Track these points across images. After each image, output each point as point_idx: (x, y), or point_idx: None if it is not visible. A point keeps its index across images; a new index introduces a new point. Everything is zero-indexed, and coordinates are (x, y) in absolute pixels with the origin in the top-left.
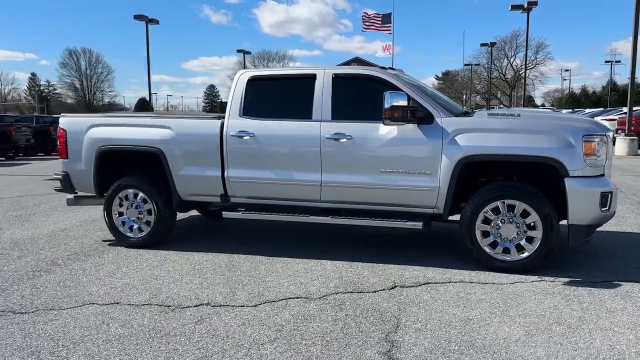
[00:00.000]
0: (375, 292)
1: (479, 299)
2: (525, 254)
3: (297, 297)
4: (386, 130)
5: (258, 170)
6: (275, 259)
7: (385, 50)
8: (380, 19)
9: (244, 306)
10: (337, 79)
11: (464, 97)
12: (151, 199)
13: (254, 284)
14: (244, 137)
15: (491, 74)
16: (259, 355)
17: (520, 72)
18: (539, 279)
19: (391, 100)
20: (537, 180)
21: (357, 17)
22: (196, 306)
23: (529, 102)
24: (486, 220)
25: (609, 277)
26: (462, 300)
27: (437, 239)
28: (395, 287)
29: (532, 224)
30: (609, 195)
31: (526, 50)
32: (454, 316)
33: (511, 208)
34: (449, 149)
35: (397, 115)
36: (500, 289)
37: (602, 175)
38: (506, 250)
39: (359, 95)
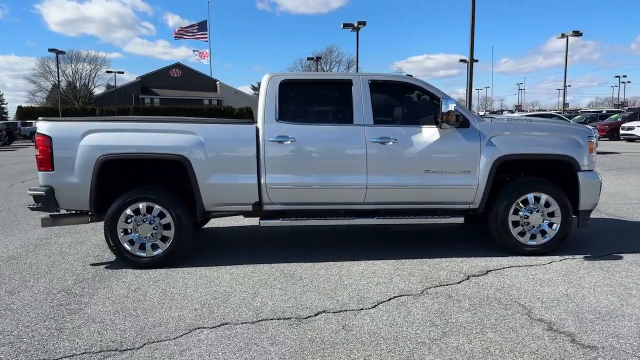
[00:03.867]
0: (459, 283)
1: (547, 278)
2: (547, 238)
3: (401, 295)
4: (429, 133)
5: (300, 175)
6: (324, 264)
7: (203, 57)
8: (195, 28)
9: (362, 309)
10: (374, 85)
11: None
12: (171, 211)
13: (341, 288)
14: (285, 142)
15: None
16: (445, 348)
17: None
18: (562, 258)
19: (448, 105)
20: (550, 175)
21: (159, 21)
22: (317, 314)
23: None
24: (515, 212)
25: (607, 251)
26: (537, 281)
27: (448, 233)
28: (469, 277)
29: (553, 212)
30: (601, 185)
31: (357, 66)
32: (552, 293)
33: (537, 200)
34: (487, 149)
35: (451, 119)
36: (552, 269)
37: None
38: (532, 236)
39: (397, 100)
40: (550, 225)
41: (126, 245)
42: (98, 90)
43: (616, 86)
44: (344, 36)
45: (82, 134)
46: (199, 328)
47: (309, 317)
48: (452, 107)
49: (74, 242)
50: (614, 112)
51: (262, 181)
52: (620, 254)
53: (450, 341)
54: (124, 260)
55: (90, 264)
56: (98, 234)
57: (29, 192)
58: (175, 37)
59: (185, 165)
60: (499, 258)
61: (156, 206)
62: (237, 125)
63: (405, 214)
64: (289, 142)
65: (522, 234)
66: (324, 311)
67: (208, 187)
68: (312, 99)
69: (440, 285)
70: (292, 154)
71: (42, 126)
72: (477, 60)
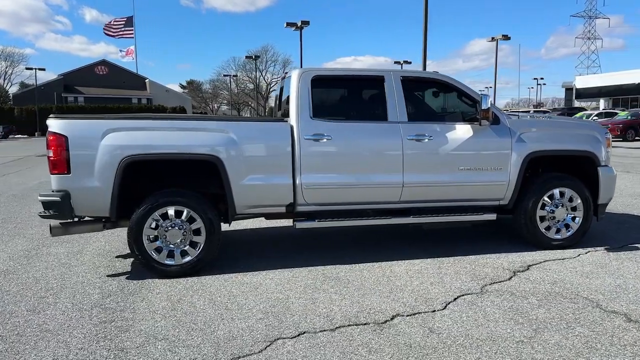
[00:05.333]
0: (509, 279)
1: (587, 271)
2: (571, 232)
3: (464, 294)
4: (463, 130)
5: (337, 174)
6: (363, 266)
7: (128, 55)
8: (122, 23)
9: (434, 311)
10: (405, 82)
11: (212, 105)
12: (202, 215)
13: (397, 289)
14: (321, 140)
15: (258, 84)
16: (546, 345)
17: (271, 84)
18: (586, 251)
19: (487, 102)
20: (569, 171)
21: (75, 15)
22: (392, 318)
23: None
24: (542, 206)
25: (620, 242)
26: (581, 274)
27: (463, 231)
28: (515, 273)
29: (575, 207)
30: (615, 179)
31: (301, 63)
32: (604, 285)
33: (562, 194)
34: (518, 146)
35: (489, 116)
36: (585, 261)
37: None
38: (557, 231)
39: (428, 97)
40: (573, 219)
41: (153, 254)
42: (13, 89)
43: (532, 88)
44: (275, 35)
45: (103, 133)
46: (279, 339)
47: (387, 321)
48: (490, 103)
49: (71, 252)
50: (542, 112)
51: (298, 181)
52: (635, 245)
53: (547, 338)
54: (150, 269)
55: (107, 275)
56: (92, 242)
57: (39, 198)
58: (105, 33)
59: (217, 166)
60: (529, 253)
61: (186, 210)
62: (271, 123)
63: (436, 212)
64: (325, 140)
65: (548, 228)
66: (397, 314)
67: (241, 188)
68: (345, 95)
69: (493, 283)
70: (328, 152)
71: (55, 124)
72: (410, 62)
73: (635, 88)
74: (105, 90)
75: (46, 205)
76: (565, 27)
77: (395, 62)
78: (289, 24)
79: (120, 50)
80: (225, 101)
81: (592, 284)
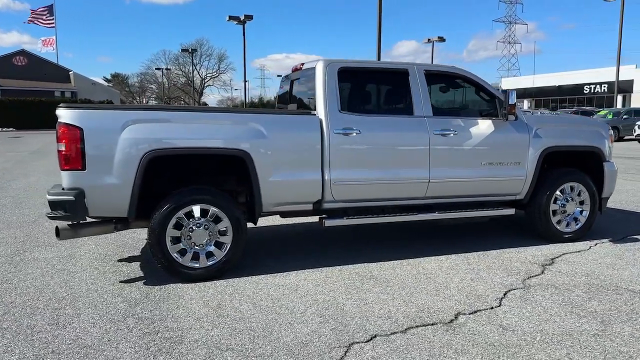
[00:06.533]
0: (542, 273)
1: (609, 262)
2: (579, 225)
3: (511, 289)
4: (485, 125)
5: (366, 170)
6: (393, 263)
7: (48, 45)
8: (45, 11)
9: (492, 307)
10: (428, 76)
11: (140, 99)
12: (229, 214)
13: (442, 287)
14: (351, 135)
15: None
16: (623, 337)
17: (205, 79)
18: (594, 243)
19: (514, 97)
20: (575, 165)
21: None
22: (456, 316)
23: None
24: (554, 201)
25: (623, 234)
26: (606, 265)
27: (471, 226)
28: (545, 266)
29: (583, 201)
30: (617, 174)
31: (244, 61)
32: (634, 275)
33: (572, 189)
34: (535, 141)
35: (515, 112)
36: (601, 253)
37: None
38: (567, 224)
39: (450, 92)
40: (581, 212)
41: (176, 256)
42: None
43: None
44: (206, 29)
45: (122, 125)
46: (354, 343)
47: (452, 320)
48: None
49: (61, 257)
50: None
51: (326, 177)
52: (634, 236)
53: (618, 330)
54: (173, 274)
55: (120, 282)
56: (80, 246)
57: (48, 197)
58: (29, 22)
59: (245, 161)
60: (544, 246)
61: (212, 209)
62: (300, 116)
63: (456, 208)
64: (354, 134)
65: (559, 222)
66: (459, 313)
67: (270, 185)
68: (370, 88)
69: (530, 277)
70: (358, 147)
71: (68, 115)
72: None
73: (555, 90)
74: (24, 83)
75: (56, 205)
76: (487, 32)
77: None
78: (232, 18)
79: (41, 40)
80: (154, 95)
81: (622, 275)
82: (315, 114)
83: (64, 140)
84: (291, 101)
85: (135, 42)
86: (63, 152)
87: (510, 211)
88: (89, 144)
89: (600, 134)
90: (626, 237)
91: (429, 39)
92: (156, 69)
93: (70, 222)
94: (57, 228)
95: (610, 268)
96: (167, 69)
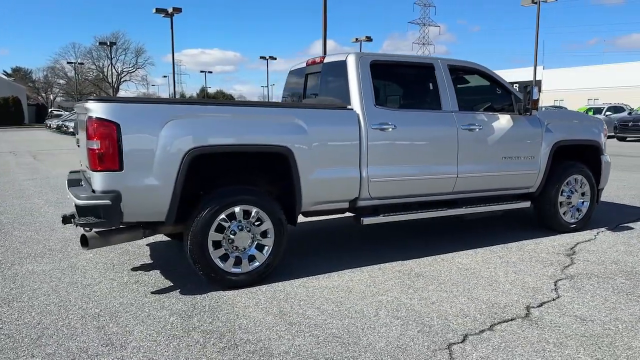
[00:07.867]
0: (573, 263)
1: (626, 250)
2: (581, 216)
3: (558, 280)
4: (505, 120)
5: (401, 166)
6: (427, 260)
7: None
8: None
9: (554, 299)
10: (451, 71)
11: (45, 95)
12: (271, 215)
13: (494, 282)
14: (387, 130)
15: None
16: None
17: (122, 74)
18: (597, 232)
19: (537, 93)
20: (577, 159)
21: None
22: (528, 310)
23: None
24: (561, 193)
25: (614, 223)
26: (625, 253)
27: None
28: (571, 256)
29: (584, 192)
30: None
31: (172, 54)
32: None
33: (576, 181)
34: (547, 136)
35: (537, 107)
36: (610, 241)
37: None
38: (572, 215)
39: (471, 87)
40: (582, 203)
41: (218, 262)
42: None
43: None
44: (120, 22)
45: (163, 120)
46: (453, 344)
47: (527, 315)
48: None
49: (62, 269)
50: None
51: (364, 173)
52: (627, 224)
53: None
54: (213, 281)
55: (151, 293)
56: (75, 255)
57: (78, 202)
58: None
59: (287, 158)
60: (555, 237)
61: (254, 210)
62: (338, 110)
63: (477, 202)
64: (390, 129)
65: (564, 213)
66: (529, 306)
67: (311, 183)
68: (400, 83)
69: (566, 267)
70: (394, 142)
71: (101, 109)
72: (275, 58)
73: None
74: None
75: (88, 210)
76: (400, 33)
77: (261, 57)
78: (159, 10)
79: None
80: (63, 91)
81: None
82: (352, 109)
83: (97, 138)
84: (306, 96)
85: (39, 34)
86: (97, 151)
87: (526, 204)
88: (127, 141)
89: (597, 129)
90: (619, 226)
91: (356, 39)
92: (67, 62)
93: (99, 230)
94: (83, 236)
95: (631, 255)
96: (80, 63)
